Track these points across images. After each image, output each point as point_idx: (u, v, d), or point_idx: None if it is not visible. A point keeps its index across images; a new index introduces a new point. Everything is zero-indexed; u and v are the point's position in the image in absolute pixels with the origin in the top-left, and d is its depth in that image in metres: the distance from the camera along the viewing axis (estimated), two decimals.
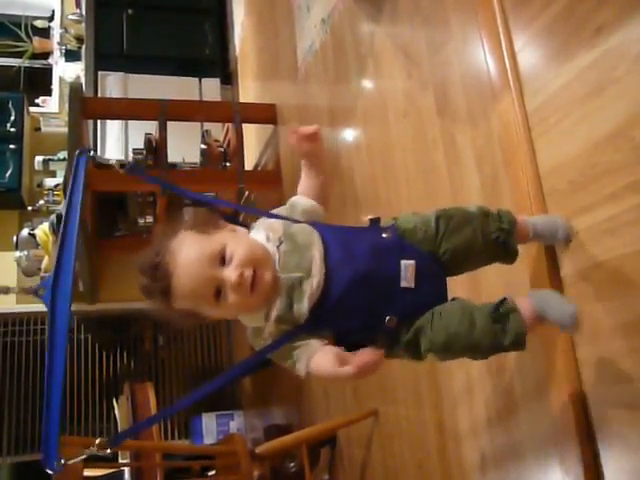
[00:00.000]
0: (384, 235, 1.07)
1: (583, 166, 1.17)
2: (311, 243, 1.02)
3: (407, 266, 1.02)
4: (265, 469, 2.43)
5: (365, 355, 0.88)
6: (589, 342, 1.17)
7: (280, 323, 0.99)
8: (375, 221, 1.13)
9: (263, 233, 1.05)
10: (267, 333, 1.00)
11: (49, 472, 0.86)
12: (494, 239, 1.12)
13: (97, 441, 0.86)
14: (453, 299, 1.07)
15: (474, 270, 1.20)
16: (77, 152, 1.05)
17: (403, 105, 1.93)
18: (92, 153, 1.09)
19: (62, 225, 1.00)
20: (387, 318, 1.00)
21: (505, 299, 1.03)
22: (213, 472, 2.59)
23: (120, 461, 2.77)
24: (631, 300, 1.08)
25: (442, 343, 0.99)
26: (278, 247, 1.02)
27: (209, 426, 3.69)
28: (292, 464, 2.61)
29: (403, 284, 1.02)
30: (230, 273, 0.96)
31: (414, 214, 1.14)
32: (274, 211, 1.11)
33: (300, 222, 1.07)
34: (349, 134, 2.44)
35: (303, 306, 0.98)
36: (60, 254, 0.98)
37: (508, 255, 1.16)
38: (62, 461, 0.85)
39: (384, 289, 1.01)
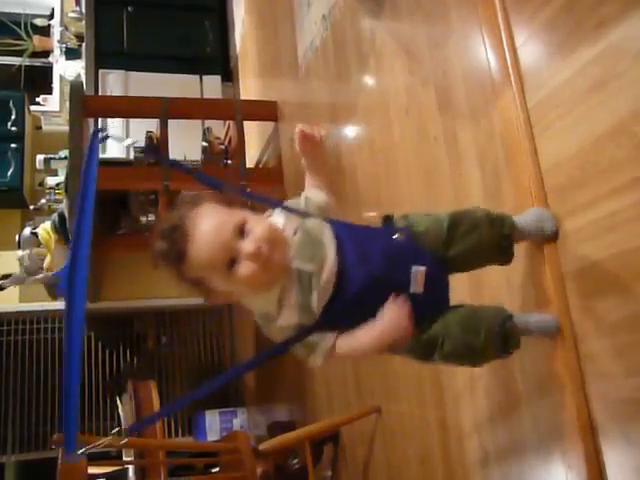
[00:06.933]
0: (397, 236, 1.11)
1: (585, 162, 1.17)
2: (325, 240, 1.06)
3: (417, 273, 1.06)
4: (268, 466, 2.43)
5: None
6: (591, 337, 1.17)
7: (302, 311, 1.02)
8: (388, 220, 1.17)
9: (281, 221, 1.09)
10: (286, 321, 1.03)
11: (61, 463, 0.90)
12: (497, 246, 1.18)
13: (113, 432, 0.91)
14: (459, 306, 1.14)
15: (474, 270, 1.27)
16: (92, 133, 1.07)
17: (404, 102, 1.92)
18: (106, 133, 1.13)
19: (79, 204, 1.02)
20: None
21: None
22: (217, 469, 2.60)
23: (124, 459, 2.78)
24: (632, 295, 1.08)
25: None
26: (293, 236, 1.06)
27: (212, 423, 3.70)
28: (295, 461, 2.61)
29: (412, 289, 1.05)
30: (248, 244, 0.99)
31: (426, 215, 1.17)
32: (289, 202, 1.14)
33: (314, 217, 1.10)
34: (350, 131, 2.43)
35: (314, 300, 1.02)
36: (76, 242, 0.99)
37: (505, 258, 1.22)
38: (79, 451, 0.88)
39: (394, 292, 1.04)
